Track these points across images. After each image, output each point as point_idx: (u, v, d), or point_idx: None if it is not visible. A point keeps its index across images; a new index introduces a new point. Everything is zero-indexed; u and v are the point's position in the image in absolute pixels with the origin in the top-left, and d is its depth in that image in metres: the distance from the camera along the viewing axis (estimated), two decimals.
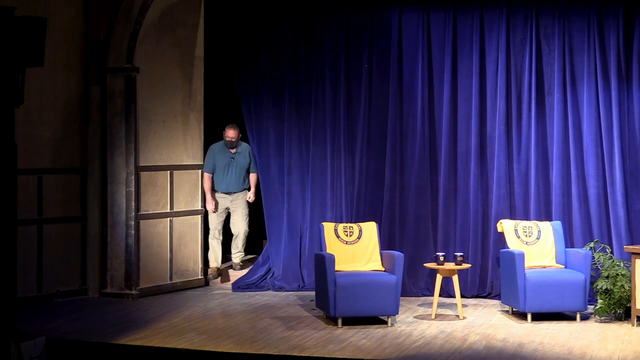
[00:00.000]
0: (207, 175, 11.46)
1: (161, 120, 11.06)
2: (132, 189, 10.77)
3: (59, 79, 10.61)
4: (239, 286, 11.32)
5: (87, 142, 10.89)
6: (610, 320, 9.55)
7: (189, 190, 11.33)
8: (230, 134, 11.50)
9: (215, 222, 11.67)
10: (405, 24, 11.16)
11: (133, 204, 10.77)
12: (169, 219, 11.16)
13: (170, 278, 11.21)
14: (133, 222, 10.77)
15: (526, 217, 10.63)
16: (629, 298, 9.39)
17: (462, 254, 9.91)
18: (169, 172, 11.16)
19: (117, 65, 10.78)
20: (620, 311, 9.55)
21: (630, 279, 9.40)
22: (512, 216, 10.67)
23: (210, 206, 11.50)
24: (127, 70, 10.76)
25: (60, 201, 10.68)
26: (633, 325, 9.29)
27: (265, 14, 11.52)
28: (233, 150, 11.56)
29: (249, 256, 12.23)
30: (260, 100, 11.56)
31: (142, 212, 10.87)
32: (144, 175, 10.92)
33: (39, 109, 10.39)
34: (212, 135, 11.65)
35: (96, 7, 10.80)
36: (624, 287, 9.45)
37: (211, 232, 11.69)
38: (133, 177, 10.78)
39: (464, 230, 10.96)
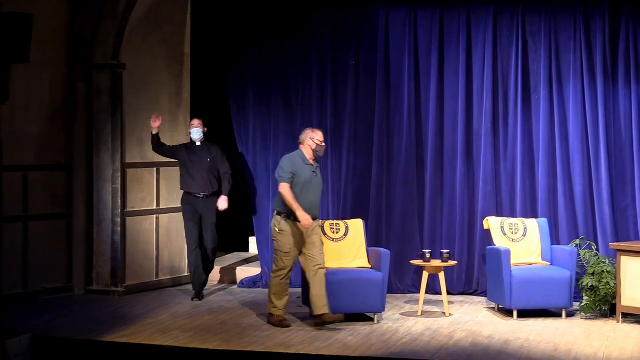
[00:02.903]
0: (288, 185, 9.05)
1: (147, 117, 11.01)
2: (118, 186, 10.75)
3: (45, 75, 10.57)
4: (243, 283, 11.36)
5: (73, 139, 10.85)
6: (596, 317, 9.58)
7: (175, 187, 11.29)
8: (321, 136, 9.30)
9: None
10: (393, 22, 11.17)
11: (119, 200, 10.75)
12: (155, 215, 11.15)
13: (157, 275, 11.20)
14: (119, 219, 10.75)
15: (512, 214, 10.65)
16: (614, 295, 9.43)
17: (448, 251, 9.93)
18: (155, 169, 11.13)
19: (103, 61, 10.75)
20: (605, 308, 9.59)
21: (615, 276, 9.43)
22: (499, 213, 10.69)
23: (309, 220, 9.00)
24: (114, 67, 10.74)
25: (45, 198, 10.65)
26: (618, 322, 9.32)
27: (252, 11, 11.50)
28: (313, 163, 9.28)
29: (241, 253, 12.26)
30: (247, 97, 11.55)
31: (128, 209, 10.85)
32: (130, 172, 10.90)
33: (24, 106, 10.35)
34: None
35: (82, 3, 10.77)
36: (609, 284, 9.48)
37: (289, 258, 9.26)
38: (119, 174, 10.76)
39: (451, 228, 10.98)
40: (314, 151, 9.15)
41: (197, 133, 10.46)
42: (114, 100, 10.74)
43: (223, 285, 11.52)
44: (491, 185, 10.84)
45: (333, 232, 9.84)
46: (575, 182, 10.57)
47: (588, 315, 9.62)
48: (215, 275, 11.57)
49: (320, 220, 9.46)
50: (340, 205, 11.21)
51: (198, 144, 10.47)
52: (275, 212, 9.16)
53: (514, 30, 10.82)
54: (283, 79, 11.45)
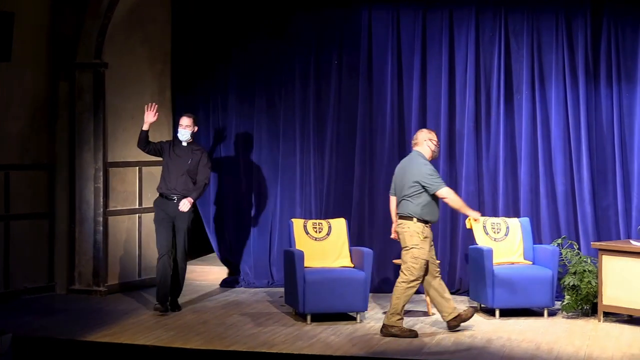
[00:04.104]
0: (449, 188, 9.00)
1: (130, 116, 11.00)
2: (101, 185, 10.72)
3: (27, 74, 10.53)
4: (225, 282, 11.39)
5: (55, 138, 10.81)
6: (577, 316, 9.62)
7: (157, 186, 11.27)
8: (436, 137, 9.19)
9: None
10: (375, 22, 11.18)
11: (101, 200, 10.72)
12: (137, 215, 11.12)
13: (139, 274, 11.18)
14: (101, 219, 10.72)
15: (494, 214, 10.68)
16: (596, 294, 9.47)
17: None
18: (137, 168, 11.11)
19: (85, 60, 10.71)
20: (587, 307, 9.63)
21: (597, 275, 9.48)
22: (481, 213, 10.69)
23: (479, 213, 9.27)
24: (96, 66, 10.70)
25: (27, 197, 10.60)
26: (599, 321, 9.36)
27: (235, 11, 11.49)
28: None
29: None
30: (230, 96, 11.54)
31: (110, 209, 10.82)
32: (112, 171, 10.87)
33: (6, 105, 10.31)
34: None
35: (64, 2, 10.72)
36: (590, 283, 9.52)
37: None
38: (101, 174, 10.73)
39: (433, 227, 10.90)
40: (434, 152, 9.03)
41: (184, 135, 9.87)
42: (97, 99, 10.71)
43: (205, 284, 11.49)
44: (473, 184, 10.87)
45: (316, 232, 9.85)
46: (557, 182, 10.62)
47: (570, 314, 9.66)
48: (197, 275, 11.56)
49: None
50: (323, 204, 11.21)
51: (184, 144, 9.91)
52: (415, 219, 8.78)
53: (497, 31, 10.86)
54: (266, 79, 11.44)
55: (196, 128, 10.01)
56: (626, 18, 10.51)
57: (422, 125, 11.02)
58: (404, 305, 8.81)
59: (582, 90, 10.58)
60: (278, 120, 11.42)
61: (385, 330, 8.79)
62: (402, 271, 8.88)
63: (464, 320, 8.97)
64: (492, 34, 10.89)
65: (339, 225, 9.96)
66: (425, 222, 8.87)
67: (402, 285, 8.81)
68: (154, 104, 9.90)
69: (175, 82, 11.64)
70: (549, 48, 10.73)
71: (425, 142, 9.01)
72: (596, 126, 10.63)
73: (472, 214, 9.04)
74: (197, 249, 11.85)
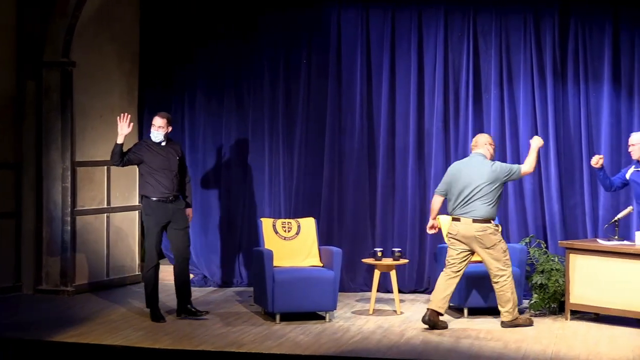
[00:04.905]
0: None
1: (98, 115, 10.95)
2: (68, 185, 10.65)
3: None
4: (194, 282, 11.32)
5: (22, 137, 10.73)
6: (545, 315, 9.68)
7: (126, 186, 11.23)
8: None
9: None
10: (344, 21, 11.19)
11: (69, 199, 10.65)
12: (105, 214, 11.06)
13: (107, 274, 11.12)
14: (69, 218, 10.65)
15: None
16: (563, 292, 9.53)
17: (400, 249, 9.97)
18: (105, 167, 11.04)
19: (53, 59, 10.63)
20: (554, 305, 9.69)
21: (564, 273, 9.54)
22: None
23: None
24: (64, 65, 10.63)
25: None
26: (567, 320, 9.43)
27: (204, 10, 11.45)
28: None
29: None
30: (198, 96, 11.50)
31: (78, 208, 10.75)
32: (80, 170, 10.80)
33: None
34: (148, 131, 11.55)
35: (31, 0, 10.64)
36: (558, 282, 9.58)
37: None
38: (69, 173, 10.66)
39: (402, 226, 11.03)
40: (492, 155, 9.36)
41: (157, 136, 9.36)
42: (64, 98, 10.63)
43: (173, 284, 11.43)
44: None
45: (285, 231, 9.84)
46: (525, 181, 10.67)
47: (537, 312, 9.71)
48: (166, 274, 11.50)
49: None
50: (292, 203, 11.20)
51: (163, 144, 9.41)
52: (492, 221, 9.14)
53: (465, 31, 10.91)
54: (235, 78, 11.42)
55: (170, 128, 9.50)
56: (593, 18, 10.59)
57: (392, 124, 11.07)
58: (514, 294, 9.12)
59: (550, 89, 10.66)
60: (247, 120, 11.40)
61: (510, 324, 9.08)
62: (499, 269, 9.06)
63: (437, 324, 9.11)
64: (461, 34, 10.93)
65: (308, 224, 9.96)
66: (490, 220, 9.15)
67: (509, 280, 9.07)
68: (126, 114, 9.36)
69: (144, 81, 11.58)
70: (517, 48, 10.79)
71: (485, 146, 9.32)
72: (564, 125, 10.72)
73: (537, 142, 9.40)
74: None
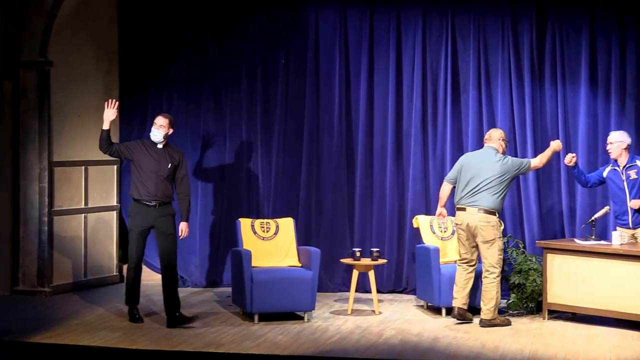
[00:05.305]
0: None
1: (76, 115, 10.90)
2: (46, 185, 10.59)
3: None
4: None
5: None
6: (523, 314, 9.71)
7: (103, 186, 11.19)
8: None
9: None
10: (323, 22, 11.20)
11: (46, 199, 10.59)
12: (83, 215, 11.01)
13: (85, 275, 11.07)
14: (46, 219, 10.59)
15: None
16: (541, 292, 9.57)
17: (378, 249, 9.98)
18: (83, 167, 11.00)
19: (30, 58, 10.58)
20: (532, 305, 9.73)
21: (542, 273, 9.57)
22: (428, 212, 10.77)
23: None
24: (41, 64, 10.57)
25: None
26: (544, 319, 9.46)
27: (182, 10, 11.42)
28: None
29: None
30: (176, 96, 11.46)
31: (55, 208, 10.70)
32: (57, 170, 10.75)
33: None
34: (129, 131, 11.52)
35: None
36: (535, 282, 9.62)
37: None
38: (46, 173, 10.60)
39: (380, 226, 11.04)
40: (504, 150, 9.47)
41: (156, 135, 9.08)
42: (41, 98, 10.58)
43: (151, 284, 11.41)
44: (420, 184, 10.94)
45: (263, 231, 9.83)
46: None
47: (515, 312, 9.74)
48: (144, 275, 11.45)
49: None
50: (270, 204, 11.20)
51: (159, 146, 9.12)
52: (497, 213, 9.25)
53: (443, 31, 10.94)
54: (213, 79, 11.40)
55: (171, 130, 9.19)
56: (570, 20, 10.65)
57: (370, 124, 11.08)
58: (499, 295, 9.23)
59: (527, 90, 10.71)
60: (225, 120, 11.38)
61: (488, 323, 9.14)
62: (491, 265, 9.18)
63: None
64: (439, 35, 10.96)
65: (287, 224, 9.96)
66: (495, 213, 9.26)
67: (497, 280, 9.19)
68: (113, 100, 9.18)
69: (123, 81, 11.54)
70: (495, 49, 10.84)
71: (499, 141, 9.43)
72: (541, 126, 10.76)
73: (557, 145, 9.55)
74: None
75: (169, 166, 9.09)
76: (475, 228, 9.23)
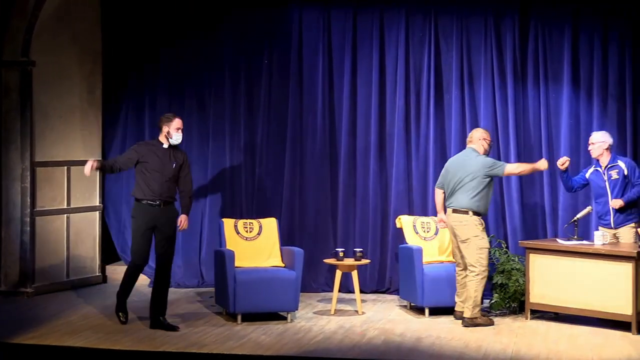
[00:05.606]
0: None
1: (58, 115, 10.86)
2: (28, 185, 10.55)
3: None
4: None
5: None
6: (505, 314, 9.74)
7: (86, 186, 11.15)
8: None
9: None
10: (306, 22, 11.20)
11: (28, 200, 10.55)
12: (66, 215, 10.97)
13: (67, 275, 11.03)
14: (28, 219, 10.55)
15: (424, 213, 10.76)
16: (524, 292, 9.60)
17: (361, 249, 9.99)
18: (66, 167, 10.96)
19: (12, 58, 10.53)
20: (514, 305, 9.76)
21: (524, 273, 9.60)
22: (411, 212, 10.80)
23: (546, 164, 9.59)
24: (23, 64, 10.53)
25: None
26: (527, 319, 9.49)
27: (165, 10, 11.40)
28: None
29: None
30: (159, 96, 11.44)
31: (38, 209, 10.66)
32: (40, 170, 10.70)
33: None
34: (112, 132, 11.49)
35: None
36: (518, 282, 9.65)
37: None
38: (29, 173, 10.55)
39: (364, 226, 11.05)
40: (486, 150, 9.47)
41: (179, 139, 9.11)
42: (24, 98, 10.54)
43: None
44: (403, 184, 10.95)
45: (246, 231, 9.83)
46: None
47: (498, 312, 9.77)
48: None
49: None
50: (253, 204, 11.19)
51: (165, 145, 9.06)
52: (471, 212, 9.25)
53: (427, 32, 10.97)
54: (196, 79, 11.38)
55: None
56: (553, 21, 10.69)
57: (353, 125, 11.09)
58: (482, 296, 9.22)
59: (510, 90, 10.74)
60: (208, 120, 11.37)
61: (470, 322, 9.16)
62: (470, 264, 9.20)
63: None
64: (422, 35, 10.99)
65: (270, 225, 9.95)
66: (478, 214, 9.27)
67: (476, 278, 9.18)
68: (93, 164, 8.88)
69: (106, 81, 11.50)
70: (478, 49, 10.87)
71: (479, 141, 9.45)
72: (524, 126, 10.80)
73: (542, 165, 9.45)
74: (126, 249, 11.74)
75: (174, 166, 9.05)
76: (452, 228, 9.34)
